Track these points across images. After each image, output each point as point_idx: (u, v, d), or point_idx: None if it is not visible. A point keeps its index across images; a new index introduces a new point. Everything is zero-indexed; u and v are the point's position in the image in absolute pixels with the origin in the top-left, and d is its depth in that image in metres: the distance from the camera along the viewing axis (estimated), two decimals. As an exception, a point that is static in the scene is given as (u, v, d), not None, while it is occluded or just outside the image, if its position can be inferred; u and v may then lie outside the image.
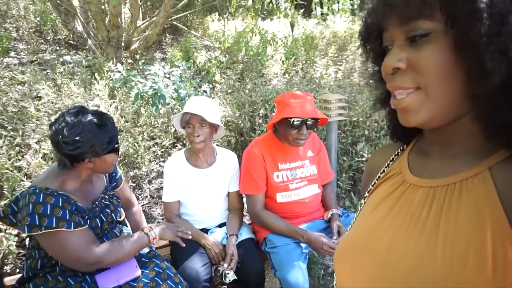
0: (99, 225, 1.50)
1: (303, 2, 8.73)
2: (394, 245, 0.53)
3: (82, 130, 1.34)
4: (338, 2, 17.34)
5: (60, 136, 1.32)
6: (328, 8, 16.55)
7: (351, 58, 6.14)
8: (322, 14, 13.26)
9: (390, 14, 0.51)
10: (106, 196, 1.60)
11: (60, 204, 1.33)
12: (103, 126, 1.40)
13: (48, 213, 1.29)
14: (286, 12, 8.33)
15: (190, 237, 1.69)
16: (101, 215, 1.52)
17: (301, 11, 8.73)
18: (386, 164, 0.67)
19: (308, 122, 1.78)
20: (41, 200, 1.30)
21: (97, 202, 1.53)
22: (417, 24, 0.48)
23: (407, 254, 0.50)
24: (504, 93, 0.45)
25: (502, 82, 0.44)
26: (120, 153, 3.05)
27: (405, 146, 0.67)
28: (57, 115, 3.02)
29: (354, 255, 0.59)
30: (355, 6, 15.61)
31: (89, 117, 1.38)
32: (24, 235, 1.36)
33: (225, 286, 2.28)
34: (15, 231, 2.24)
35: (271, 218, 1.87)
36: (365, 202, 0.68)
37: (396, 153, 0.67)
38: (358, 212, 0.68)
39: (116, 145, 1.48)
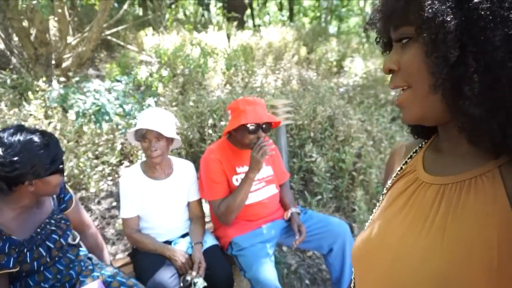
0: (45, 254, 1.37)
1: (236, 15, 8.95)
2: (405, 241, 0.54)
3: (21, 149, 1.20)
4: (268, 14, 18.03)
5: None
6: (259, 20, 17.12)
7: (288, 66, 6.43)
8: (254, 25, 13.66)
9: (386, 20, 0.57)
10: (52, 221, 1.46)
11: None
12: (45, 145, 1.27)
13: None
14: (220, 24, 8.47)
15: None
16: (47, 242, 1.39)
17: (235, 23, 8.93)
18: (404, 161, 0.68)
19: (263, 126, 1.86)
20: None
21: (39, 230, 1.39)
22: (403, 29, 0.53)
23: (415, 249, 0.52)
24: (478, 103, 0.46)
25: (473, 91, 0.46)
26: (64, 174, 2.87)
27: (423, 143, 0.69)
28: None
29: (368, 250, 0.61)
30: (285, 18, 16.36)
31: (29, 135, 1.25)
32: None
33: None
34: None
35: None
36: (382, 199, 0.69)
37: (415, 150, 0.68)
38: (376, 207, 0.70)
39: (61, 166, 1.36)
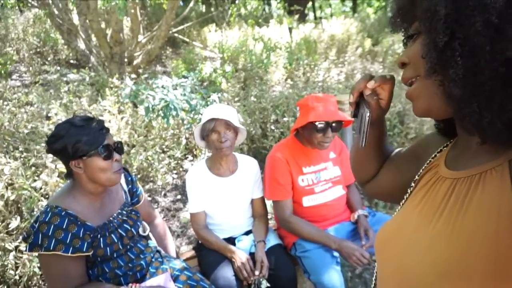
0: (117, 241, 1.45)
1: (299, 8, 8.80)
2: (417, 232, 0.57)
3: (65, 125, 1.34)
4: (330, 6, 17.51)
5: (50, 134, 1.35)
6: (321, 12, 16.71)
7: (352, 59, 6.18)
8: (316, 18, 13.36)
9: (401, 18, 0.63)
10: (124, 212, 1.56)
11: (64, 226, 1.29)
12: (87, 126, 1.36)
13: (50, 234, 1.26)
14: (281, 18, 8.39)
15: None
16: (119, 229, 1.48)
17: (296, 16, 8.79)
18: (434, 155, 0.70)
19: (333, 125, 1.76)
20: (47, 220, 1.27)
21: (111, 218, 1.49)
22: (414, 25, 0.59)
23: (423, 240, 0.55)
24: (462, 85, 0.49)
25: (471, 83, 0.48)
26: (134, 167, 3.04)
27: (452, 140, 0.70)
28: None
29: (386, 240, 0.64)
30: (348, 9, 15.77)
31: (77, 118, 1.38)
32: (28, 253, 1.33)
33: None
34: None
35: (301, 224, 1.84)
36: (410, 192, 0.70)
37: (445, 144, 0.70)
38: (405, 198, 0.72)
39: (102, 149, 1.37)
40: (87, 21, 4.76)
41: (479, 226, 0.47)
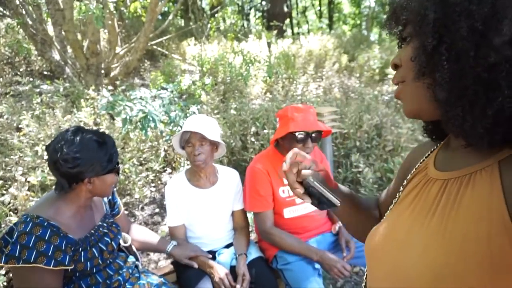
0: (97, 255, 1.40)
1: (278, 24, 8.96)
2: (410, 233, 0.57)
3: (82, 147, 1.27)
4: (307, 22, 17.96)
5: (59, 154, 1.25)
6: (298, 28, 17.09)
7: (330, 74, 6.30)
8: (293, 34, 13.63)
9: (394, 21, 0.63)
10: (105, 224, 1.51)
11: (46, 237, 1.22)
12: (104, 143, 1.34)
13: (31, 245, 1.18)
14: (260, 33, 8.51)
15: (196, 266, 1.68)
16: (100, 243, 1.42)
17: (275, 32, 8.94)
18: (421, 160, 0.71)
19: (312, 135, 1.77)
20: (27, 230, 1.20)
21: (92, 231, 1.43)
22: (407, 28, 0.59)
23: (417, 241, 0.54)
24: (447, 89, 0.50)
25: (456, 89, 0.50)
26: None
27: (440, 143, 0.70)
28: (41, 145, 2.90)
29: (378, 244, 0.64)
30: (324, 25, 16.21)
31: (89, 134, 1.32)
32: (2, 265, 1.24)
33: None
34: (3, 270, 2.09)
35: (283, 236, 1.82)
36: (398, 196, 0.71)
37: (431, 150, 0.71)
38: (392, 205, 0.72)
39: (117, 165, 1.42)
40: (63, 31, 4.65)
41: (471, 226, 0.48)
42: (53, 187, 1.35)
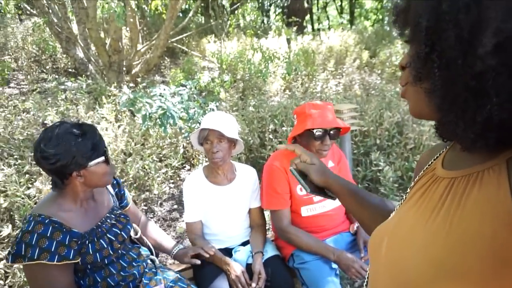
0: (106, 246, 1.40)
1: (297, 20, 8.89)
2: (413, 230, 0.58)
3: (59, 142, 1.25)
4: (328, 18, 17.73)
5: (39, 153, 1.25)
6: (318, 24, 16.90)
7: (350, 71, 6.20)
8: (314, 30, 13.49)
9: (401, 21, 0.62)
10: (112, 216, 1.51)
11: (48, 234, 1.23)
12: (83, 135, 1.31)
13: (33, 243, 1.20)
14: (280, 30, 8.46)
15: (207, 255, 1.66)
16: (108, 234, 1.43)
17: (295, 28, 8.87)
18: (431, 161, 0.71)
19: (331, 132, 1.74)
20: (30, 229, 1.22)
21: (99, 223, 1.44)
22: (407, 32, 0.58)
23: (420, 238, 0.55)
24: (440, 96, 0.52)
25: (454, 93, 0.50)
26: (130, 176, 3.00)
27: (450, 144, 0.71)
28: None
29: (381, 240, 0.64)
30: (345, 21, 15.95)
31: (66, 127, 1.30)
32: (10, 264, 1.29)
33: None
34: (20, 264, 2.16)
35: (299, 234, 1.80)
36: (406, 196, 0.71)
37: (442, 151, 0.71)
38: (400, 203, 0.73)
39: (104, 155, 1.38)
40: (86, 29, 4.77)
41: (476, 224, 0.48)
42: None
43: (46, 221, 1.25)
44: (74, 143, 1.27)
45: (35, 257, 1.20)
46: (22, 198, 2.33)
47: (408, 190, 0.72)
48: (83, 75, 4.88)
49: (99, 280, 1.40)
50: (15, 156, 2.77)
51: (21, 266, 1.97)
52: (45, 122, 3.36)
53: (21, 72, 5.61)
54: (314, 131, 1.71)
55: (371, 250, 0.69)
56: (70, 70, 5.91)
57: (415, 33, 0.53)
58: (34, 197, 2.44)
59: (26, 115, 3.47)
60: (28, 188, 2.47)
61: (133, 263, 1.52)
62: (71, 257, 1.28)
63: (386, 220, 0.70)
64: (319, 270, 1.71)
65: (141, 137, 3.33)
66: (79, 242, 1.32)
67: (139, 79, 5.20)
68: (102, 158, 1.36)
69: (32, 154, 2.77)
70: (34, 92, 4.51)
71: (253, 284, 1.67)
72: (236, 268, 1.71)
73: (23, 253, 1.19)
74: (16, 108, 3.76)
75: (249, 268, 1.77)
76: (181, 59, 6.71)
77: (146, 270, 1.57)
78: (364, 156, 3.20)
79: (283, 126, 3.48)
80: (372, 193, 2.85)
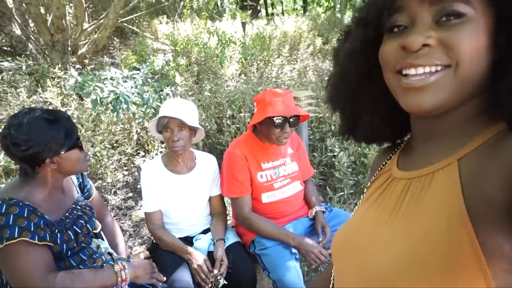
0: (73, 237, 1.36)
1: (252, 4, 8.79)
2: (375, 230, 0.58)
3: (31, 128, 1.21)
4: (282, 3, 17.72)
5: (9, 139, 1.19)
6: (272, 9, 16.85)
7: (304, 57, 6.29)
8: (267, 14, 13.42)
9: None
10: (78, 207, 1.47)
11: (25, 215, 1.19)
12: (55, 121, 1.27)
13: (10, 223, 1.16)
14: (234, 13, 8.33)
15: (164, 279, 1.55)
16: (74, 226, 1.39)
17: (249, 12, 8.78)
18: (384, 163, 0.72)
19: (290, 120, 1.76)
20: (3, 211, 1.16)
21: (67, 214, 1.39)
22: (452, 5, 0.48)
23: (381, 238, 0.56)
24: None
25: None
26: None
27: (402, 145, 0.71)
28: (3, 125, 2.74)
29: (343, 243, 0.65)
30: (299, 7, 16.06)
31: (37, 113, 1.25)
32: None
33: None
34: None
35: (260, 221, 1.83)
36: (362, 197, 0.72)
37: (393, 152, 0.72)
38: (357, 205, 0.73)
39: (78, 140, 1.35)
40: (24, 4, 4.34)
41: (432, 222, 0.48)
42: (18, 172, 1.29)
43: (20, 204, 1.20)
44: (47, 130, 1.24)
45: (16, 235, 1.15)
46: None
47: (365, 190, 0.74)
48: (22, 55, 4.47)
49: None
50: None
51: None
52: (-20, 106, 3.05)
53: None
54: (275, 119, 1.73)
55: (334, 253, 0.68)
56: (5, 48, 5.38)
57: (506, 11, 0.48)
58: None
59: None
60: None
61: (93, 256, 1.47)
62: (48, 239, 1.24)
63: (346, 222, 0.71)
64: (280, 255, 1.75)
65: (91, 122, 3.14)
66: (49, 230, 1.27)
67: (86, 61, 4.87)
68: (75, 144, 1.33)
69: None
70: (-36, 72, 4.07)
71: (215, 271, 1.68)
72: (198, 257, 1.70)
73: None
74: None
75: (210, 255, 1.77)
76: (132, 40, 6.38)
77: (104, 264, 1.52)
78: (320, 142, 3.30)
79: (241, 112, 3.47)
80: (326, 177, 2.91)
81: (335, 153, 2.93)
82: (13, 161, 2.31)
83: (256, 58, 5.66)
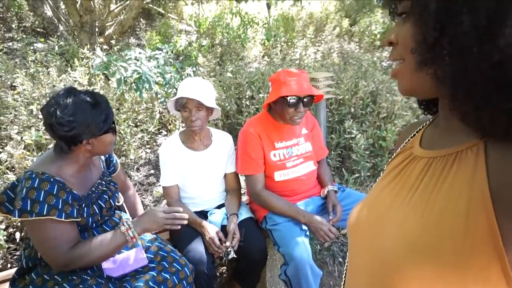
0: (98, 211, 1.47)
1: (278, -17, 8.61)
2: (390, 208, 0.58)
3: (76, 110, 1.28)
4: (310, -17, 17.27)
5: (54, 118, 1.26)
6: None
7: (329, 39, 6.18)
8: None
9: None
10: (103, 182, 1.57)
11: (55, 192, 1.28)
12: (97, 105, 1.34)
13: (41, 199, 1.25)
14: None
15: (185, 222, 1.49)
16: (99, 201, 1.49)
17: (276, -8, 8.62)
18: (407, 139, 0.70)
19: (304, 100, 1.78)
20: (35, 186, 1.26)
21: (93, 189, 1.49)
22: (404, 3, 0.54)
23: (396, 216, 0.56)
24: (451, 85, 0.47)
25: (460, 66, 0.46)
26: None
27: (429, 121, 0.70)
28: (36, 104, 2.90)
29: (359, 221, 0.65)
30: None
31: (82, 96, 1.32)
32: (17, 219, 1.31)
33: (225, 267, 2.31)
34: (3, 225, 2.16)
35: (272, 198, 1.88)
36: (381, 174, 0.72)
37: (418, 128, 0.70)
38: (376, 182, 0.73)
39: (113, 125, 1.44)
40: (55, -14, 4.49)
41: (451, 202, 0.48)
42: (49, 146, 1.39)
43: (51, 180, 1.29)
44: (89, 113, 1.31)
45: (44, 213, 1.24)
46: (-7, 163, 2.29)
47: (385, 167, 0.73)
48: (54, 36, 4.65)
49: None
50: (-17, 120, 2.68)
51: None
52: (14, 84, 3.23)
53: (-16, 30, 5.28)
54: (288, 98, 1.75)
55: (349, 230, 0.68)
56: (38, 29, 5.60)
57: (421, 16, 0.48)
58: (6, 162, 2.40)
59: (-8, 77, 3.32)
60: (-1, 152, 2.43)
61: (116, 227, 1.57)
62: (75, 215, 1.34)
63: (363, 199, 0.70)
64: (290, 231, 1.81)
65: (116, 101, 3.27)
66: (77, 204, 1.37)
67: (113, 42, 5.00)
68: (111, 128, 1.41)
69: (1, 117, 2.69)
70: (0, 53, 4.28)
71: (227, 243, 1.75)
72: (211, 229, 1.78)
73: (29, 209, 1.23)
74: (-19, 70, 3.58)
75: (224, 229, 1.84)
76: (157, 22, 6.47)
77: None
78: (339, 124, 3.28)
79: (260, 92, 3.50)
80: (344, 159, 2.91)
81: (353, 135, 2.92)
82: (43, 136, 2.47)
83: (279, 39, 5.62)
